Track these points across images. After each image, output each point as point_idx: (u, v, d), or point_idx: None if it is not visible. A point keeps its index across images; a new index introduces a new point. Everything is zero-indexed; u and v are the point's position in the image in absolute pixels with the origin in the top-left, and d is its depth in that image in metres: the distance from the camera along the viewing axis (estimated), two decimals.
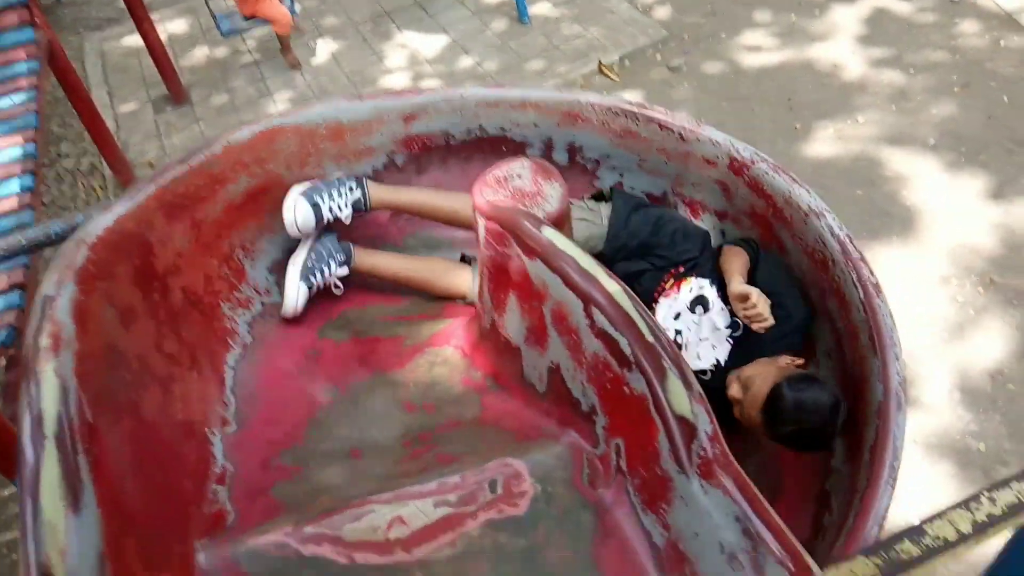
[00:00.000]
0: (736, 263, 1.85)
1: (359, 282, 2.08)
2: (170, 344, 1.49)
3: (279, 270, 1.99)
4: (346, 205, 2.01)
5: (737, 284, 1.74)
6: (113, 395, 1.17)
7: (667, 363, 1.09)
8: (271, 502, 1.24)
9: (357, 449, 1.40)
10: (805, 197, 1.87)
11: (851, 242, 1.85)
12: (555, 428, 1.29)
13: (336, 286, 2.02)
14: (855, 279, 1.81)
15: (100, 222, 1.41)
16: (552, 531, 1.15)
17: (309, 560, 1.10)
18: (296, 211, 1.92)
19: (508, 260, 1.40)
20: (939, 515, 1.08)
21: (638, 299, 1.18)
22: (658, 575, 1.07)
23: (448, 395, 1.56)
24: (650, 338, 1.12)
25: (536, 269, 1.30)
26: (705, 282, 1.87)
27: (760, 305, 1.68)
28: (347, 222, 2.02)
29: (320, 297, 2.02)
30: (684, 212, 2.26)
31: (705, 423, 1.05)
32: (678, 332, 1.87)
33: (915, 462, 2.49)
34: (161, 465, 1.19)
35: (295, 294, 1.93)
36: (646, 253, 1.96)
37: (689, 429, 1.05)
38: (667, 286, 1.93)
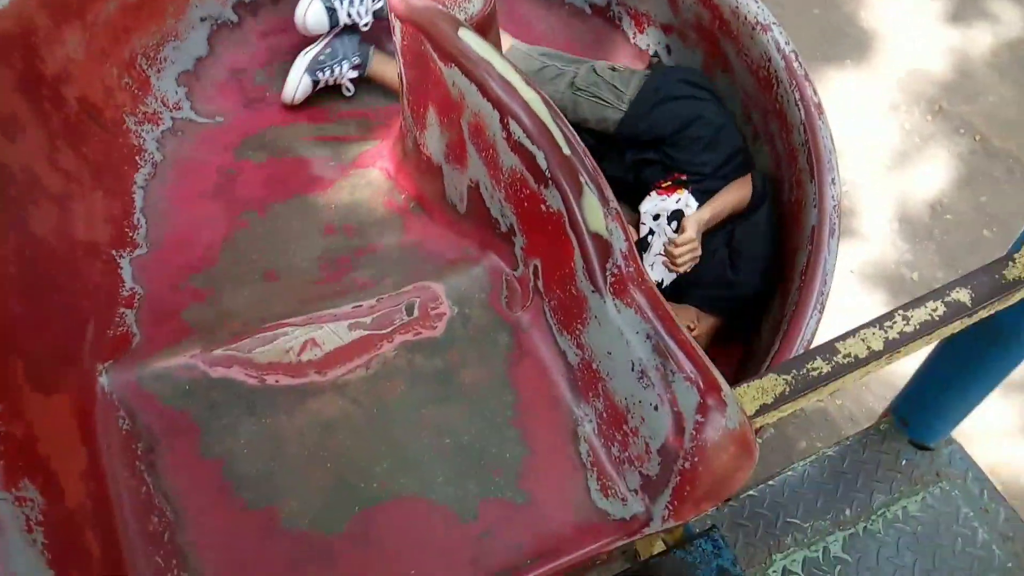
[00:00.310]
0: (724, 198, 1.76)
1: (278, 101, 1.96)
2: (66, 160, 1.39)
3: (190, 82, 1.85)
4: (366, 12, 1.93)
5: (693, 219, 1.67)
6: None
7: (584, 178, 1.03)
8: (180, 325, 1.19)
9: (273, 271, 1.34)
10: (753, 8, 1.77)
11: (796, 59, 1.77)
12: (475, 250, 1.24)
13: (347, 88, 2.00)
14: (798, 99, 1.74)
15: None
16: (468, 352, 1.12)
17: (217, 382, 1.06)
18: (309, 9, 1.86)
19: (426, 69, 1.30)
20: (851, 333, 1.07)
21: (557, 109, 1.10)
22: (571, 393, 1.06)
23: (370, 218, 1.49)
24: (567, 151, 1.04)
25: (453, 77, 1.20)
26: (694, 203, 1.77)
27: (680, 251, 1.62)
28: (364, 29, 1.96)
29: (241, 111, 1.90)
30: (629, 24, 2.14)
31: (620, 240, 1.00)
32: (650, 232, 1.80)
33: (851, 291, 2.51)
34: (55, 285, 1.12)
35: (295, 84, 1.90)
36: (659, 147, 1.85)
37: (604, 247, 1.01)
38: (664, 185, 1.84)
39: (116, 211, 1.45)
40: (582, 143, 1.08)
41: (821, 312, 1.52)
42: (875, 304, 2.50)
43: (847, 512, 1.38)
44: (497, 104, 1.12)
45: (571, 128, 1.09)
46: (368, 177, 1.63)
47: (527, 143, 1.07)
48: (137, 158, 1.62)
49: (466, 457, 1.01)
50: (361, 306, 1.17)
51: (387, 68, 2.00)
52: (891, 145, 2.80)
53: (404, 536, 0.95)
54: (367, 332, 1.14)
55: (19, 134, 1.29)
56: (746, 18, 1.79)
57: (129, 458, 0.98)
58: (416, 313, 1.16)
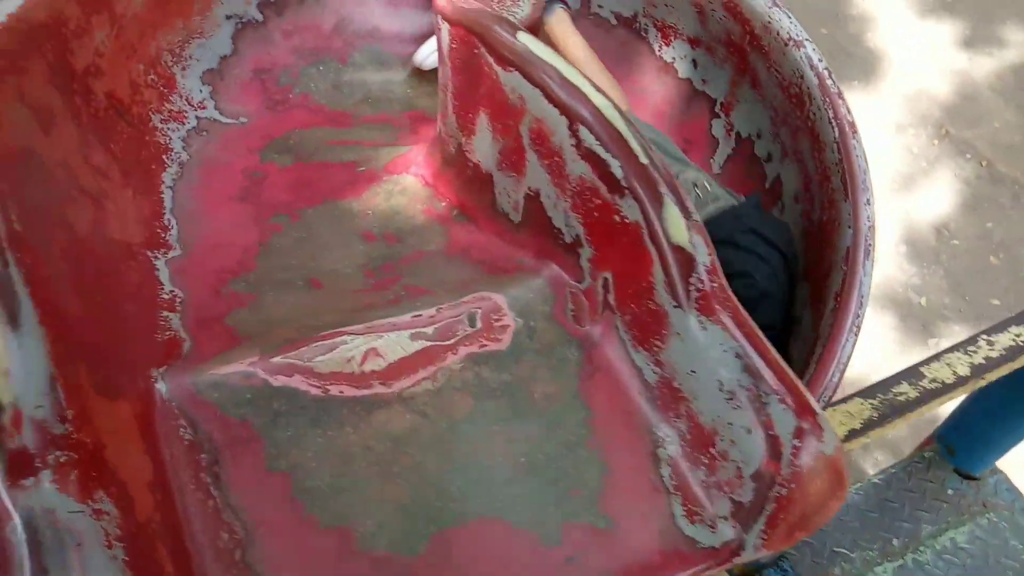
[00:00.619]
0: None
1: (304, 103, 1.91)
2: (97, 156, 1.33)
3: (214, 81, 1.80)
4: None
5: None
6: (40, 206, 1.02)
7: (664, 189, 1.00)
8: (227, 330, 1.13)
9: (316, 279, 1.29)
10: (785, 23, 1.76)
11: (830, 76, 1.76)
12: (532, 261, 1.20)
13: None
14: (831, 117, 1.73)
15: (2, 7, 1.21)
16: (536, 366, 1.08)
17: (279, 391, 1.01)
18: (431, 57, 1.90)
19: (478, 73, 1.26)
20: (936, 358, 1.06)
21: (629, 118, 1.07)
22: (650, 413, 1.03)
23: (409, 225, 1.45)
24: (644, 159, 1.01)
25: (512, 81, 1.17)
26: None
27: None
28: None
29: (264, 113, 1.85)
30: (655, 36, 2.12)
31: (703, 255, 0.97)
32: None
33: None
34: (102, 287, 1.07)
35: (429, 50, 1.91)
36: None
37: (686, 260, 0.98)
38: None
39: (147, 211, 1.39)
40: (658, 153, 1.05)
41: (857, 335, 1.50)
42: (882, 327, 2.51)
43: (895, 542, 1.37)
44: (565, 110, 1.09)
45: (645, 137, 1.06)
46: (403, 184, 1.59)
47: (600, 151, 1.04)
48: (164, 157, 1.56)
49: (543, 477, 0.97)
50: (421, 316, 1.13)
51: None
52: (897, 167, 2.82)
53: (487, 560, 0.90)
54: (430, 343, 1.09)
55: (54, 128, 1.23)
56: (778, 33, 1.78)
57: (193, 469, 0.92)
58: (479, 324, 1.12)
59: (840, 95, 1.77)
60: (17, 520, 0.73)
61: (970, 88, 2.99)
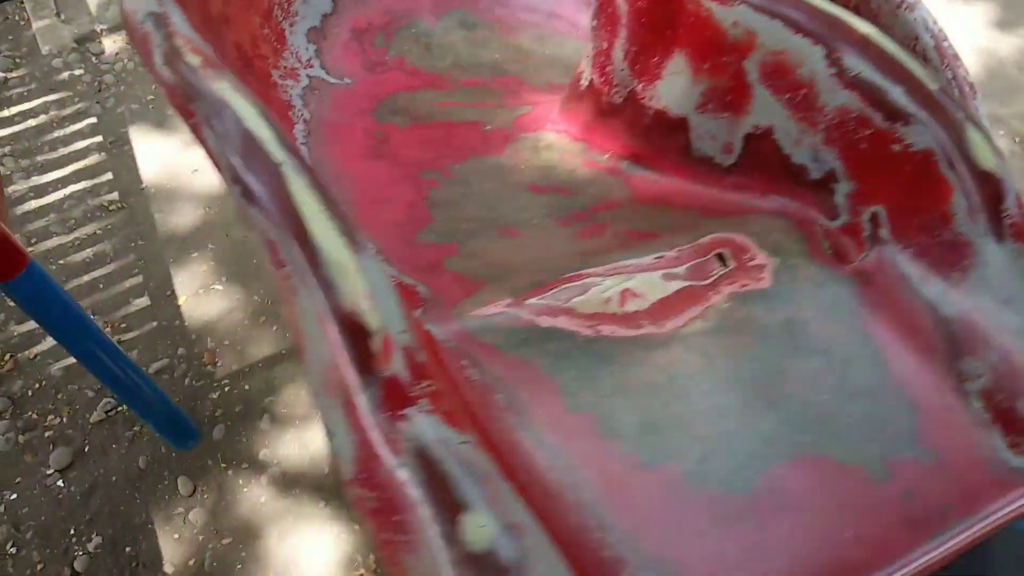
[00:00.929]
0: None
1: (400, 65, 1.82)
2: None
3: (318, 40, 1.69)
4: None
5: None
6: None
7: (960, 114, 0.96)
8: (458, 276, 1.04)
9: (508, 228, 1.20)
10: None
11: (946, 39, 1.76)
12: (761, 201, 1.15)
13: None
14: (950, 78, 1.73)
15: None
16: (808, 304, 1.02)
17: (550, 332, 0.93)
18: None
19: (674, 13, 1.20)
20: None
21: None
22: (949, 347, 0.97)
23: (574, 178, 1.37)
24: (933, 85, 0.97)
25: (734, 16, 1.11)
26: None
27: None
28: None
29: (364, 75, 1.75)
30: None
31: (1011, 180, 0.93)
32: None
33: None
34: None
35: None
36: None
37: (994, 187, 0.93)
38: None
39: None
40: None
41: None
42: None
43: None
44: (821, 39, 1.03)
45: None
46: (545, 140, 1.51)
47: (876, 78, 0.99)
48: (290, 114, 1.46)
49: (852, 415, 0.91)
50: (664, 257, 1.05)
51: None
52: None
53: (822, 496, 0.84)
54: (687, 283, 1.02)
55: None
56: None
57: (493, 411, 0.83)
58: (732, 264, 1.05)
59: (957, 57, 1.76)
60: (406, 455, 0.63)
61: (997, 66, 3.07)
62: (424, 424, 0.65)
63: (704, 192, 1.22)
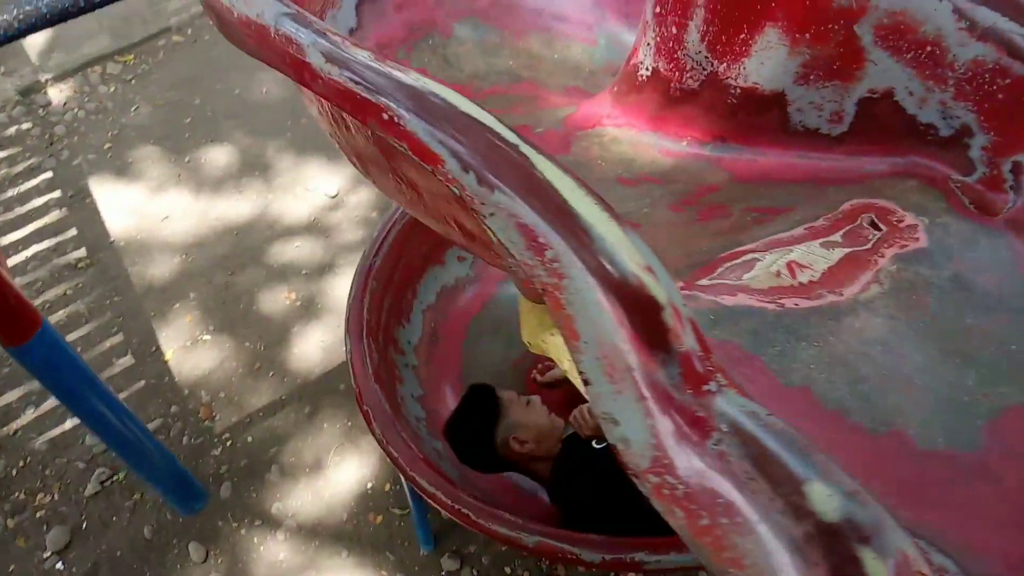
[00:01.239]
0: None
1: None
2: None
3: None
4: None
5: None
6: None
7: None
8: None
9: (623, 220, 1.13)
10: None
11: None
12: (877, 166, 1.11)
13: None
14: None
15: None
16: (969, 260, 0.98)
17: (737, 310, 0.85)
18: None
19: None
20: None
21: None
22: None
23: (660, 167, 1.31)
24: None
25: None
26: None
27: None
28: None
29: None
30: None
31: None
32: None
33: None
34: None
35: None
36: None
37: None
38: None
39: None
40: None
41: None
42: None
43: None
44: None
45: None
46: (608, 135, 1.45)
47: (1013, 27, 0.97)
48: None
49: None
50: (813, 227, 1.00)
51: None
52: None
53: None
54: (849, 249, 0.97)
55: None
56: None
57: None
58: (883, 227, 1.01)
59: None
60: (722, 432, 0.56)
61: None
62: (730, 398, 0.57)
63: (812, 164, 1.17)
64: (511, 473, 1.77)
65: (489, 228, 0.64)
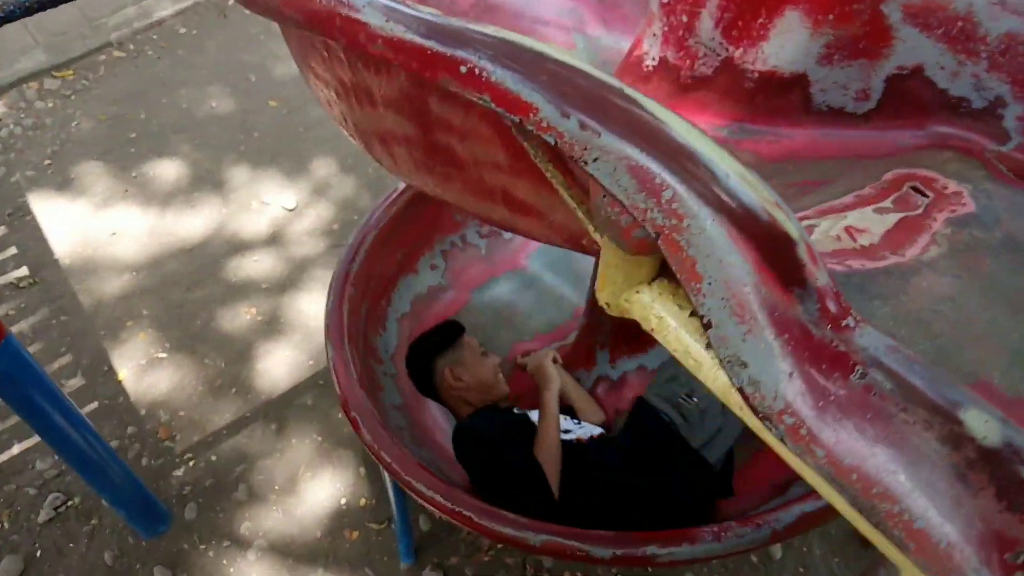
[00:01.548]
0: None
1: None
2: None
3: None
4: None
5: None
6: None
7: None
8: None
9: None
10: None
11: None
12: (914, 139, 1.12)
13: None
14: None
15: None
16: (1017, 222, 1.00)
17: None
18: None
19: None
20: None
21: None
22: None
23: None
24: None
25: None
26: None
27: None
28: None
29: None
30: None
31: None
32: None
33: None
34: None
35: None
36: None
37: None
38: None
39: None
40: None
41: None
42: None
43: None
44: None
45: None
46: None
47: None
48: None
49: None
50: (861, 195, 1.01)
51: None
52: None
53: None
54: (902, 214, 0.98)
55: None
56: None
57: None
58: (930, 194, 1.02)
59: None
60: (867, 366, 0.54)
61: None
62: (869, 333, 0.56)
63: (840, 142, 1.19)
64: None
65: (593, 175, 0.62)
